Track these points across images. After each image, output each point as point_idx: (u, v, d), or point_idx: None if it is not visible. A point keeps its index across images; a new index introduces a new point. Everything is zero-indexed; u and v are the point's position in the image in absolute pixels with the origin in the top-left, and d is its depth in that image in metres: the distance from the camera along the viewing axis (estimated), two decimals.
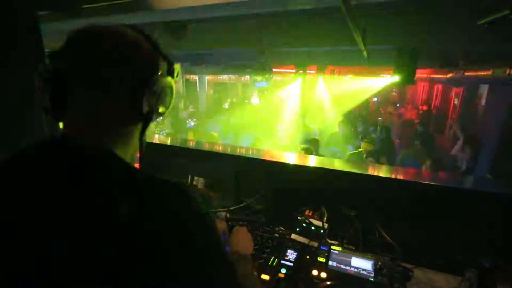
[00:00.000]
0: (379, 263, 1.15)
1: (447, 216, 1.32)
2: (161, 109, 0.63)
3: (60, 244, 0.47)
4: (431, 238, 1.31)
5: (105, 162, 0.55)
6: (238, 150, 1.90)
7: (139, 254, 0.47)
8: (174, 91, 0.66)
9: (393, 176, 1.40)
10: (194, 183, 1.70)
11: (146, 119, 0.62)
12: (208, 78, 10.70)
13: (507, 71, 3.69)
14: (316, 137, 4.89)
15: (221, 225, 1.22)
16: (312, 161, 1.65)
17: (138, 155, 0.68)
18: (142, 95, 0.57)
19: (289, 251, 1.24)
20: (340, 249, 1.24)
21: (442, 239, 1.30)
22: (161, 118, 0.67)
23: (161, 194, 0.54)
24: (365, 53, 4.09)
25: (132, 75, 0.57)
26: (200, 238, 0.54)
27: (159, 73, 0.61)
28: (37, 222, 0.48)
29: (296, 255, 1.22)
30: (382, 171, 1.47)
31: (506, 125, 5.08)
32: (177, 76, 0.68)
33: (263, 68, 5.41)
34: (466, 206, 1.30)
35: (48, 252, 0.47)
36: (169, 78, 0.64)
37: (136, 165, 0.69)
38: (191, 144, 2.00)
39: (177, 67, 0.67)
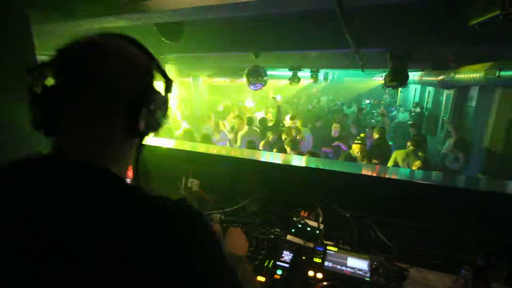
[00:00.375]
0: (375, 263, 1.15)
1: (441, 215, 1.33)
2: (156, 126, 0.61)
3: (57, 278, 0.43)
4: (425, 238, 1.33)
5: (100, 181, 0.52)
6: (233, 152, 1.89)
7: (139, 279, 0.44)
8: (170, 108, 0.65)
9: (387, 176, 1.41)
10: (189, 185, 1.69)
11: (142, 136, 0.60)
12: (202, 80, 10.68)
13: (497, 73, 3.76)
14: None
15: (216, 228, 1.20)
16: (307, 162, 1.65)
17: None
18: (139, 112, 0.55)
19: (284, 252, 1.24)
20: (336, 249, 1.23)
21: (436, 238, 1.32)
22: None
23: (163, 214, 0.50)
24: (357, 56, 4.14)
25: (129, 91, 0.55)
26: (206, 258, 0.51)
27: (154, 90, 0.60)
28: (23, 243, 0.45)
29: (292, 256, 1.22)
30: (376, 171, 1.48)
31: (496, 126, 5.17)
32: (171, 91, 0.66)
33: (258, 71, 5.42)
34: (458, 204, 1.31)
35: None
36: (166, 95, 0.63)
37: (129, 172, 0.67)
38: (186, 146, 1.99)
39: (173, 82, 0.65)
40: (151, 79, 0.60)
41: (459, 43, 3.46)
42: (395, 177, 1.38)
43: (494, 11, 1.25)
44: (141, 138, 0.61)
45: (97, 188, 0.50)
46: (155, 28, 2.72)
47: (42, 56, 0.62)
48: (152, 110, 0.57)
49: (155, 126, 0.61)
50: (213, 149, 1.94)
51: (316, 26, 3.89)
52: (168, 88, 0.64)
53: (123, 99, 0.55)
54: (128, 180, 0.59)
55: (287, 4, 1.92)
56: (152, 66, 0.61)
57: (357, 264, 1.16)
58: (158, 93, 0.60)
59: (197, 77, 10.36)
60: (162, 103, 0.61)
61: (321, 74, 10.04)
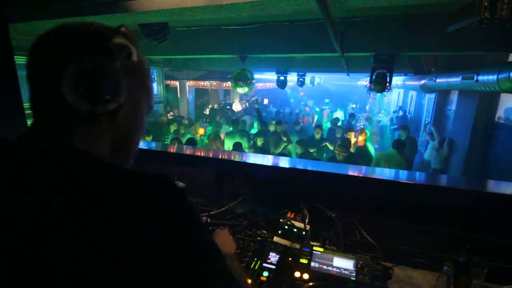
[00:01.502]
0: (360, 262, 1.16)
1: (424, 214, 1.36)
2: (108, 98, 0.51)
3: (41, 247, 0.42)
4: (409, 237, 1.35)
5: (72, 159, 0.49)
6: (219, 154, 1.87)
7: (119, 255, 0.43)
8: (116, 74, 0.52)
9: (372, 177, 1.43)
10: None
11: (85, 114, 0.51)
12: (189, 83, 10.60)
13: (475, 78, 3.92)
14: None
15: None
16: (292, 162, 1.65)
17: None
18: (73, 83, 0.48)
19: (271, 253, 1.23)
20: (322, 250, 1.24)
21: (420, 237, 1.34)
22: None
23: (143, 187, 0.49)
24: (343, 60, 4.22)
25: (64, 61, 0.49)
26: (189, 231, 0.50)
27: (89, 55, 0.50)
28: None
29: (279, 257, 1.21)
30: (361, 172, 1.50)
31: (475, 129, 5.37)
32: (129, 57, 0.53)
33: (245, 74, 5.43)
34: (441, 203, 1.34)
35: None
36: (104, 59, 0.51)
37: None
38: (171, 148, 1.95)
39: (119, 41, 0.52)
40: (83, 44, 0.51)
41: (439, 49, 3.59)
42: (380, 178, 1.40)
43: (471, 17, 1.30)
44: (87, 115, 0.51)
45: (67, 166, 0.48)
46: (139, 28, 2.68)
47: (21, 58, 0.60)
48: (88, 80, 0.49)
49: (105, 98, 0.51)
50: (198, 151, 1.91)
51: (302, 31, 3.95)
52: (106, 51, 0.51)
53: (62, 72, 0.49)
54: None
55: (273, 7, 1.94)
56: (86, 30, 0.53)
57: (343, 264, 1.16)
58: (90, 59, 0.50)
59: (184, 81, 10.28)
60: (99, 71, 0.50)
61: (308, 78, 10.18)
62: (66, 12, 2.09)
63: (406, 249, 1.32)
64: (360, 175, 1.44)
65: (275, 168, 1.60)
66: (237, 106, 12.35)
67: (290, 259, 1.20)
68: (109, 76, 0.51)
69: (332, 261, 1.18)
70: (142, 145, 1.91)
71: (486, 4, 1.21)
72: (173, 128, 6.11)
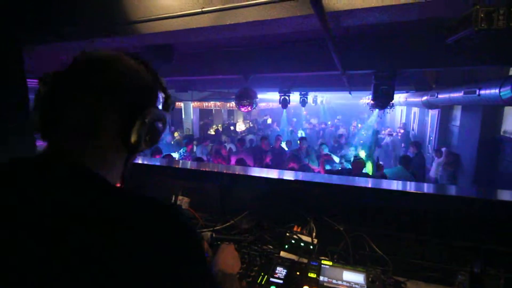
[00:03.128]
0: (371, 275, 1.12)
1: (434, 226, 1.32)
2: (149, 141, 0.60)
3: (45, 267, 0.42)
4: (421, 250, 1.30)
5: (88, 179, 0.52)
6: (223, 168, 1.87)
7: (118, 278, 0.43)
8: (166, 125, 0.63)
9: (381, 187, 1.41)
10: (178, 202, 1.65)
11: (133, 150, 0.58)
12: (193, 104, 10.79)
13: (477, 92, 3.94)
14: None
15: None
16: (298, 175, 1.64)
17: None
18: (132, 125, 0.55)
19: (278, 268, 1.19)
20: (330, 263, 1.20)
21: (432, 250, 1.30)
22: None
23: (145, 214, 0.50)
24: (344, 77, 4.29)
25: (123, 103, 0.55)
26: (186, 259, 0.51)
27: (154, 105, 0.60)
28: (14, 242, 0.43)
29: (286, 272, 1.17)
30: (369, 183, 1.48)
31: (480, 143, 5.32)
32: (172, 109, 0.66)
33: (248, 94, 5.53)
34: (453, 214, 1.31)
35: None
36: (162, 111, 0.61)
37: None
38: (175, 163, 1.96)
39: (173, 100, 0.66)
40: (150, 93, 0.60)
41: (438, 64, 3.64)
42: (388, 188, 1.38)
43: (469, 28, 1.33)
44: (132, 152, 0.60)
45: (84, 184, 0.50)
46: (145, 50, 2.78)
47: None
48: (146, 126, 0.57)
49: (148, 140, 0.59)
50: (203, 166, 1.91)
51: (304, 50, 4.05)
52: (166, 104, 0.64)
53: (116, 111, 0.55)
54: None
55: (275, 26, 2.01)
56: (153, 82, 0.61)
57: (353, 278, 1.12)
58: (155, 108, 0.60)
59: (188, 102, 10.47)
60: (157, 119, 0.60)
61: (310, 97, 10.31)
62: (76, 35, 2.19)
63: (418, 262, 1.28)
64: (368, 186, 1.42)
65: (280, 181, 1.59)
66: (241, 126, 12.46)
67: (298, 273, 1.16)
68: (164, 126, 0.62)
69: (341, 275, 1.14)
70: (148, 160, 1.92)
71: (482, 15, 1.24)
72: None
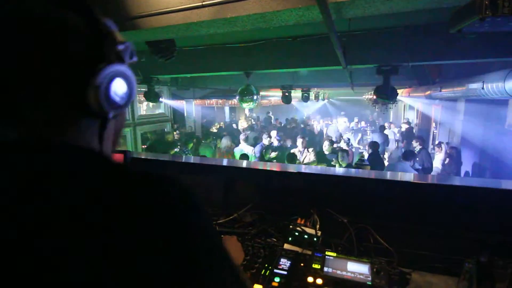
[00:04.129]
0: (376, 266, 1.11)
1: (440, 216, 1.31)
2: (118, 103, 0.51)
3: (42, 246, 0.37)
4: (426, 240, 1.29)
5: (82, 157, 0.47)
6: (226, 161, 1.87)
7: (123, 261, 0.38)
8: (130, 78, 0.53)
9: (382, 178, 1.40)
10: None
11: (102, 118, 0.51)
12: (195, 102, 10.79)
13: (481, 85, 3.89)
14: None
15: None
16: (300, 168, 1.63)
17: None
18: (82, 89, 0.47)
19: (282, 260, 1.19)
20: (335, 254, 1.19)
21: (438, 240, 1.29)
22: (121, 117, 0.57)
23: (148, 186, 0.45)
24: (347, 72, 4.26)
25: (67, 65, 0.46)
26: (199, 233, 0.46)
27: (101, 59, 0.49)
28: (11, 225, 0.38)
29: (290, 263, 1.17)
30: (373, 174, 1.47)
31: (485, 137, 5.28)
32: (132, 58, 0.54)
33: (250, 90, 5.52)
34: (459, 204, 1.29)
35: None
36: (118, 65, 0.50)
37: None
38: (178, 158, 1.96)
39: (127, 45, 0.53)
40: (92, 48, 0.49)
41: (441, 57, 3.60)
42: (392, 179, 1.37)
43: (473, 16, 1.31)
44: (102, 122, 0.51)
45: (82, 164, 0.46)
46: (147, 46, 2.78)
47: None
48: (100, 85, 0.47)
49: (113, 102, 0.50)
50: (205, 159, 1.91)
51: (305, 46, 4.03)
52: (118, 55, 0.51)
53: (62, 77, 0.46)
54: None
55: (275, 19, 1.99)
56: (95, 31, 0.50)
57: (358, 268, 1.11)
58: (106, 65, 0.49)
59: (190, 100, 10.47)
60: (114, 76, 0.50)
61: (312, 93, 10.28)
62: None
63: (423, 253, 1.27)
64: (372, 177, 1.41)
65: (283, 174, 1.58)
66: (243, 123, 12.45)
67: (302, 264, 1.16)
68: (125, 79, 0.52)
69: (346, 265, 1.13)
70: (150, 155, 1.92)
71: (487, 2, 1.22)
72: (190, 145, 6.20)
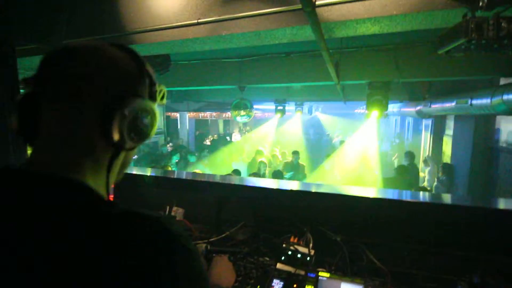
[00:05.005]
0: (369, 287, 1.09)
1: (433, 235, 1.31)
2: (136, 136, 0.53)
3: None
4: (420, 260, 1.29)
5: (70, 194, 0.46)
6: (218, 178, 1.85)
7: None
8: (157, 117, 0.56)
9: (374, 196, 1.40)
10: (173, 213, 1.62)
11: (117, 147, 0.52)
12: (189, 115, 10.80)
13: (469, 102, 4.00)
14: None
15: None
16: (294, 185, 1.63)
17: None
18: (112, 118, 0.49)
19: (275, 280, 1.17)
20: (328, 275, 1.17)
21: (431, 260, 1.28)
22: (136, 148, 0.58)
23: (136, 231, 0.45)
24: (339, 87, 4.33)
25: (102, 92, 0.50)
26: (186, 277, 0.46)
27: (137, 94, 0.53)
28: None
29: (283, 284, 1.15)
30: (362, 192, 1.47)
31: (474, 152, 5.37)
32: (162, 99, 0.60)
33: (244, 104, 5.57)
34: (451, 223, 1.30)
35: None
36: (149, 101, 0.55)
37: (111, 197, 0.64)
38: (170, 174, 1.93)
39: (162, 88, 0.60)
40: (133, 82, 0.54)
41: (430, 75, 3.71)
42: (383, 197, 1.37)
43: (460, 39, 1.36)
44: (117, 150, 0.53)
45: (66, 205, 0.44)
46: None
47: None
48: (129, 118, 0.50)
49: (134, 135, 0.53)
50: (197, 176, 1.89)
51: (299, 61, 4.11)
52: (152, 94, 0.57)
53: (95, 102, 0.49)
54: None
55: (270, 37, 2.03)
56: (138, 69, 0.55)
57: None
58: (139, 99, 0.53)
59: (184, 112, 10.48)
60: (143, 110, 0.53)
61: (306, 107, 10.41)
62: None
63: (416, 273, 1.26)
64: (363, 195, 1.41)
65: (275, 191, 1.57)
66: (236, 136, 12.47)
67: (295, 285, 1.14)
68: (151, 118, 0.55)
69: (339, 286, 1.11)
70: (142, 171, 1.89)
71: (472, 26, 1.27)
72: (175, 158, 6.15)
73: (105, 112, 0.49)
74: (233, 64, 4.47)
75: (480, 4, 1.31)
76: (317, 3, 1.60)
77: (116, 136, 0.50)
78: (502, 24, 1.25)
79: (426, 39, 3.23)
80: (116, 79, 0.52)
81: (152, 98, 0.57)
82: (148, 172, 1.93)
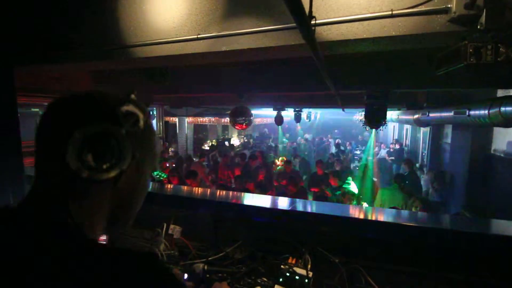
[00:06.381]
0: None
1: (432, 259, 1.30)
2: (98, 161, 0.49)
3: None
4: (418, 283, 1.28)
5: (53, 236, 0.46)
6: (217, 195, 1.84)
7: None
8: (123, 139, 0.51)
9: (372, 218, 1.40)
10: (170, 232, 1.60)
11: (76, 174, 0.49)
12: (188, 120, 10.79)
13: (467, 113, 4.02)
14: None
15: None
16: (292, 204, 1.62)
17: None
18: (77, 150, 0.48)
19: None
20: None
21: (429, 284, 1.27)
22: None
23: (122, 274, 0.45)
24: (338, 97, 4.35)
25: (70, 127, 0.49)
26: None
27: (95, 122, 0.49)
28: None
29: None
30: (361, 213, 1.46)
31: (472, 161, 5.39)
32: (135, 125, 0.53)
33: (242, 111, 5.57)
34: (449, 247, 1.29)
35: None
36: (109, 126, 0.50)
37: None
38: (167, 190, 1.92)
39: (127, 109, 0.52)
40: (106, 118, 0.51)
41: (428, 85, 3.72)
42: (384, 220, 1.37)
43: (458, 62, 1.37)
44: (77, 176, 0.49)
45: (47, 244, 0.45)
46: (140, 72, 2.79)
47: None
48: (78, 138, 0.48)
49: (93, 160, 0.49)
50: (196, 193, 1.88)
51: (298, 70, 4.12)
52: (112, 117, 0.51)
53: (57, 137, 0.50)
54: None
55: (268, 53, 2.03)
56: (119, 105, 0.52)
57: None
58: (93, 124, 0.49)
59: (183, 117, 10.47)
60: (98, 131, 0.49)
61: (304, 113, 10.43)
62: (71, 58, 2.19)
63: None
64: (361, 217, 1.41)
65: (274, 210, 1.56)
66: (235, 141, 12.47)
67: None
68: (114, 143, 0.50)
69: None
70: None
71: (471, 50, 1.28)
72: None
73: (77, 148, 0.49)
74: (232, 71, 4.47)
75: (479, 27, 1.32)
76: (317, 22, 1.60)
77: (70, 163, 0.48)
78: (501, 49, 1.26)
79: (425, 51, 3.25)
80: (87, 117, 0.52)
81: (115, 122, 0.51)
82: None
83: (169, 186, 2.12)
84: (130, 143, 0.52)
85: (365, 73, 3.80)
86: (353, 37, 1.61)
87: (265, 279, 1.37)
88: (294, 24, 1.63)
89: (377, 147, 10.00)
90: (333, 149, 10.38)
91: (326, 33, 1.65)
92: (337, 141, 11.45)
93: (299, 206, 1.58)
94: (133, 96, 0.55)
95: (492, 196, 4.97)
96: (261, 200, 1.69)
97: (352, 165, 8.54)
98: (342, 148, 10.38)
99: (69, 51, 2.19)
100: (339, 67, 3.60)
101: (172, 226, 1.61)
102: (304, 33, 1.30)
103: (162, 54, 2.10)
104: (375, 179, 6.69)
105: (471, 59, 1.28)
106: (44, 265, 0.43)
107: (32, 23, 2.15)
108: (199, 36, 1.94)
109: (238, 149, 10.41)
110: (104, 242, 1.49)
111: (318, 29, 1.64)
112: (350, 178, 5.05)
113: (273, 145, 11.50)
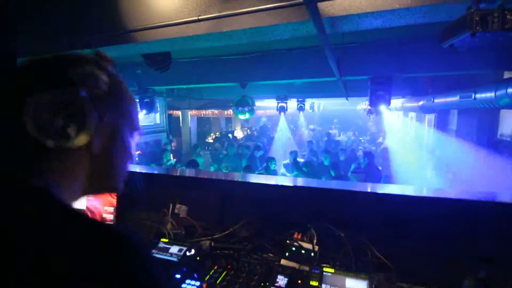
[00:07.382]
0: (374, 282, 1.09)
1: (438, 230, 1.30)
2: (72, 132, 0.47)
3: None
4: (425, 254, 1.28)
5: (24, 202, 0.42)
6: (222, 175, 1.85)
7: None
8: (84, 105, 0.48)
9: (378, 192, 1.39)
10: (176, 211, 1.62)
11: (57, 143, 0.47)
12: (191, 112, 10.79)
13: (473, 96, 3.96)
14: None
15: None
16: (297, 181, 1.63)
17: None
18: (33, 116, 0.46)
19: (279, 276, 1.16)
20: (333, 271, 1.17)
21: (435, 255, 1.27)
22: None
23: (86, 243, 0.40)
24: (341, 83, 4.31)
25: (26, 93, 0.46)
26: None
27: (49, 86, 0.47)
28: None
29: (287, 280, 1.15)
30: (367, 188, 1.46)
31: (478, 147, 5.33)
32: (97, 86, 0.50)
33: (245, 101, 5.56)
34: (456, 217, 1.29)
35: None
36: (64, 90, 0.47)
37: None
38: (173, 171, 1.93)
39: (83, 70, 0.49)
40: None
41: (434, 69, 3.67)
42: (388, 192, 1.37)
43: (464, 31, 1.34)
44: (58, 146, 0.47)
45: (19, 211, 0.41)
46: (143, 59, 2.78)
47: None
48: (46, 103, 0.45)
49: (72, 132, 0.47)
50: (201, 173, 1.89)
51: (300, 57, 4.09)
52: (72, 82, 0.47)
53: (25, 110, 0.46)
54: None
55: (270, 33, 2.02)
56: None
57: (356, 285, 1.10)
58: (69, 95, 0.47)
59: (186, 110, 10.47)
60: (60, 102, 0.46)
61: (307, 103, 10.35)
62: (74, 45, 2.19)
63: (422, 268, 1.25)
64: (367, 191, 1.41)
65: (279, 188, 1.57)
66: (238, 133, 12.47)
67: (299, 281, 1.14)
68: (71, 108, 0.47)
69: (344, 282, 1.11)
70: (145, 169, 1.90)
71: (477, 18, 1.25)
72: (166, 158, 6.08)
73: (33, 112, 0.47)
74: (235, 61, 4.45)
75: None
76: None
77: (33, 134, 0.46)
78: (508, 17, 1.23)
79: (429, 33, 3.20)
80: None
81: (72, 85, 0.49)
82: (152, 170, 1.93)
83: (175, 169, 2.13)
84: (94, 106, 0.49)
85: (368, 59, 3.76)
86: (357, 11, 1.59)
87: (271, 254, 1.39)
88: (297, 1, 1.61)
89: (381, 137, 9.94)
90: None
91: (329, 9, 1.63)
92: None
93: (304, 182, 1.58)
94: (96, 56, 0.53)
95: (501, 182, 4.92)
96: (265, 179, 1.69)
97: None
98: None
99: (71, 37, 2.20)
100: (343, 52, 3.56)
101: (178, 206, 1.63)
102: (310, 6, 1.28)
103: (162, 37, 2.10)
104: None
105: (477, 27, 1.25)
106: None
107: (34, 10, 2.15)
108: (199, 17, 1.93)
109: (241, 141, 10.42)
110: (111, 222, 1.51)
111: (320, 4, 1.61)
112: None
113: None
